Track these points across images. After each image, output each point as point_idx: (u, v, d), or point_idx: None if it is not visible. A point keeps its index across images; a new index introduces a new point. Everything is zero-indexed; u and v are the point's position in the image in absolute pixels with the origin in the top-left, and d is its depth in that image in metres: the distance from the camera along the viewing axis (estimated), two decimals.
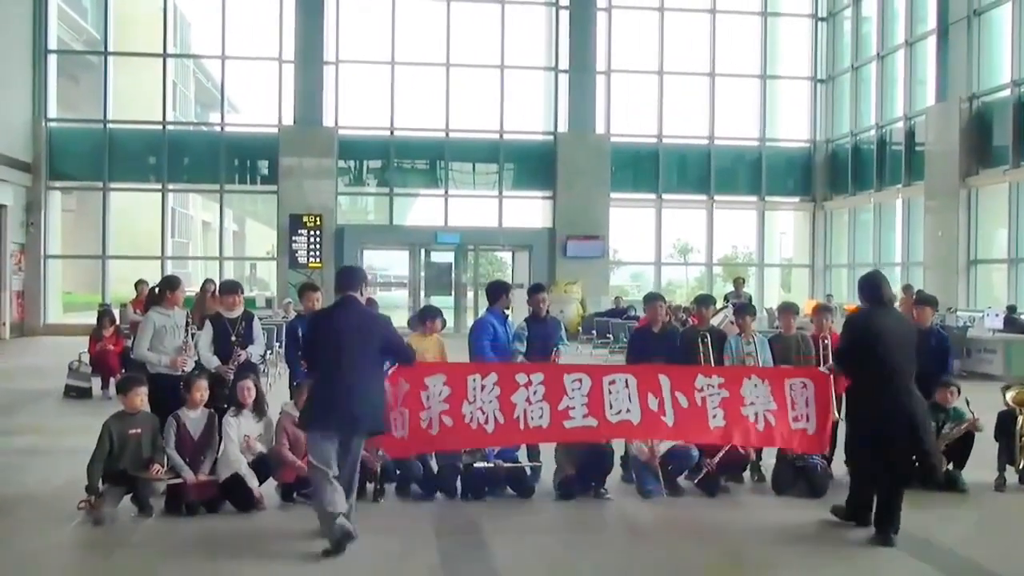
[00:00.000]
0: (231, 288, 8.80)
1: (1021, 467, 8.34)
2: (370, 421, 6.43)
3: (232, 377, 8.13)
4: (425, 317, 8.98)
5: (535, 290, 8.90)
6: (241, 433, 7.37)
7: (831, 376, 7.60)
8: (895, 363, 6.82)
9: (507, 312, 8.81)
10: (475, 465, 7.68)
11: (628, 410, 7.30)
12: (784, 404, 7.46)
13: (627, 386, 7.35)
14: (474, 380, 7.27)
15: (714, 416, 7.39)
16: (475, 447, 7.50)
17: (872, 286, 7.32)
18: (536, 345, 8.48)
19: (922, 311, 9.19)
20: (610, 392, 7.32)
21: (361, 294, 6.67)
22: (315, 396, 6.45)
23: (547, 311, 8.82)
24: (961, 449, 8.26)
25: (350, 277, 6.71)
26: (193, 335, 8.34)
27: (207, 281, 12.76)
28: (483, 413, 7.20)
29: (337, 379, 6.32)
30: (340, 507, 6.17)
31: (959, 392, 8.49)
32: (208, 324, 8.50)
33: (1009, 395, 8.54)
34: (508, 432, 7.26)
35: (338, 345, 6.37)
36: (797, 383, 7.54)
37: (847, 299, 24.42)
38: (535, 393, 7.25)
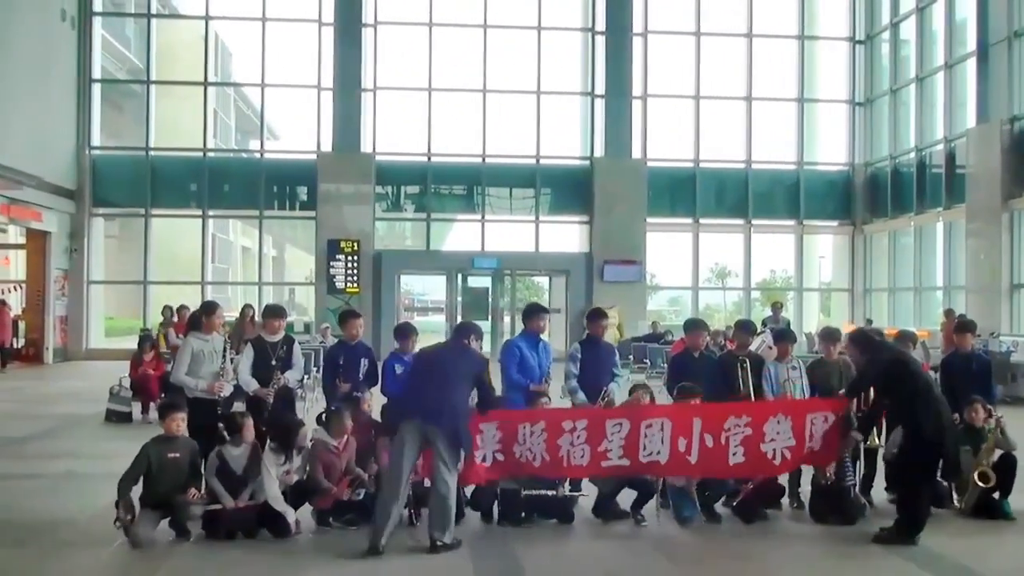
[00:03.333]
0: (276, 313, 8.80)
1: None
2: (449, 420, 6.97)
3: (271, 400, 8.17)
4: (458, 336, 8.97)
5: (598, 315, 8.97)
6: (281, 471, 7.38)
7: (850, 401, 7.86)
8: (932, 385, 7.38)
9: (541, 335, 8.79)
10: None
11: (659, 452, 7.62)
12: (802, 439, 7.71)
13: (662, 429, 7.65)
14: (524, 427, 7.63)
15: (734, 454, 7.66)
16: (523, 475, 7.70)
17: (864, 341, 7.86)
18: (588, 370, 8.58)
19: (962, 337, 9.13)
20: (645, 436, 7.63)
21: (469, 343, 7.50)
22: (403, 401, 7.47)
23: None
24: (1005, 475, 8.09)
25: (463, 329, 7.85)
26: (232, 360, 8.39)
27: (246, 306, 12.88)
28: (531, 453, 7.60)
29: (427, 388, 7.10)
30: (383, 520, 6.80)
31: (991, 411, 8.34)
32: (249, 347, 8.54)
33: None
34: (552, 467, 7.64)
35: (431, 367, 7.29)
36: (819, 418, 7.73)
37: (887, 324, 24.14)
38: (578, 438, 7.62)
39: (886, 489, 8.43)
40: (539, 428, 7.59)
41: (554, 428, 7.62)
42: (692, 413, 7.79)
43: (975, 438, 8.17)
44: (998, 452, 8.09)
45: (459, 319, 26.23)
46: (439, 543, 6.82)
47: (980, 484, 7.92)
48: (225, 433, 7.54)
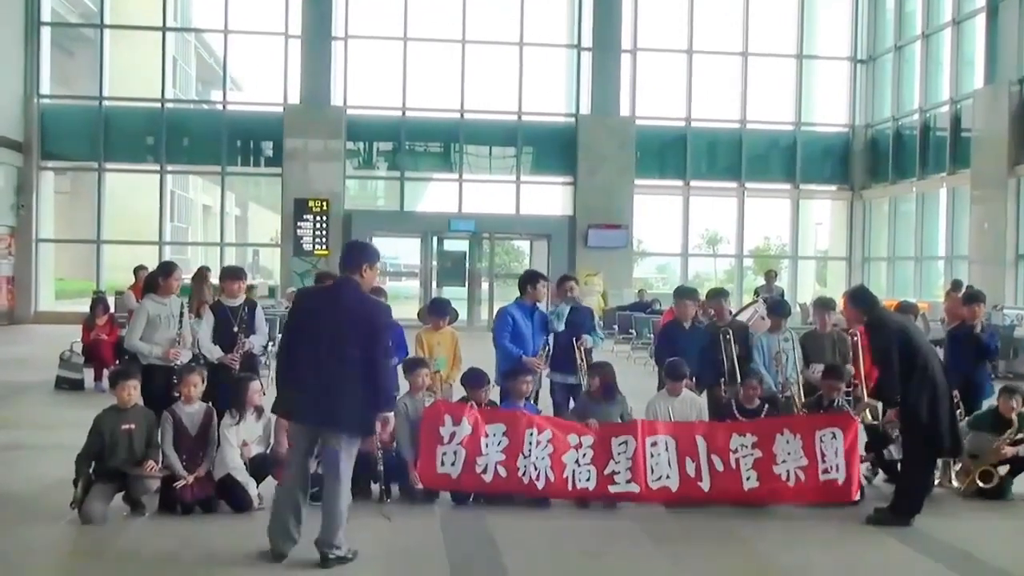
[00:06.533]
0: (234, 274, 8.78)
1: None
2: (349, 419, 6.06)
3: (237, 367, 8.12)
4: (434, 312, 9.03)
5: (563, 279, 9.22)
6: (240, 438, 7.37)
7: (859, 422, 7.83)
8: (933, 359, 7.43)
9: (537, 303, 8.94)
10: None
11: (668, 476, 7.68)
12: (814, 458, 7.69)
13: (667, 449, 7.71)
14: (531, 434, 7.64)
15: (748, 478, 7.69)
16: (525, 495, 7.70)
17: (868, 297, 7.74)
18: (566, 333, 8.82)
19: (972, 308, 9.17)
20: (651, 455, 7.68)
21: (362, 275, 6.26)
22: (293, 384, 6.16)
23: (577, 300, 9.22)
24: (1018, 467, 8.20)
25: (346, 256, 6.47)
26: (190, 324, 8.35)
27: (203, 268, 12.79)
28: (535, 469, 7.59)
29: (317, 369, 6.03)
30: (285, 513, 6.12)
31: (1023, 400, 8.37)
32: (209, 313, 8.50)
33: None
34: (557, 489, 7.65)
35: (320, 331, 6.08)
36: (827, 434, 7.72)
37: (886, 295, 24.29)
38: (584, 456, 7.67)
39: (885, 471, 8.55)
40: (545, 439, 7.62)
41: (560, 441, 7.66)
42: (694, 432, 7.83)
43: (1001, 425, 8.15)
44: (1017, 449, 8.08)
45: (434, 284, 26.31)
46: (330, 555, 6.02)
47: (980, 483, 8.00)
48: (178, 392, 7.56)
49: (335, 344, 6.02)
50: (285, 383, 6.21)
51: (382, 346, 6.23)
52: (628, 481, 7.61)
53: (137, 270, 16.02)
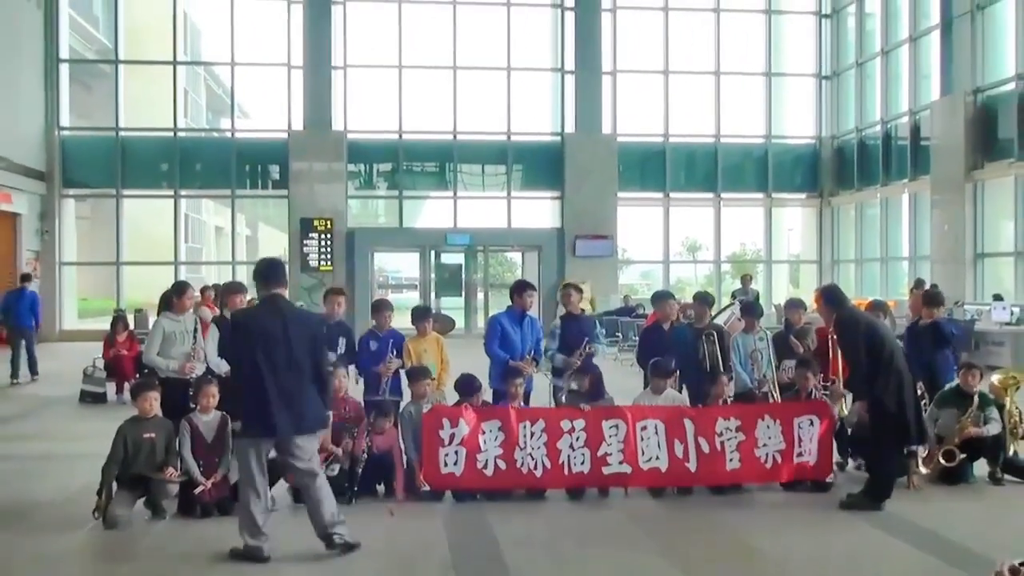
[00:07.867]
0: (235, 289, 8.68)
1: (1012, 452, 8.36)
2: (314, 419, 6.26)
3: None
4: (415, 319, 8.91)
5: (565, 288, 9.24)
6: None
7: (835, 408, 8.04)
8: (899, 353, 7.49)
9: (527, 311, 8.89)
10: None
11: (657, 457, 7.77)
12: (792, 442, 7.87)
13: (656, 432, 7.79)
14: (524, 427, 7.70)
15: (731, 460, 7.82)
16: (525, 488, 7.77)
17: (838, 296, 7.86)
18: (570, 342, 8.73)
19: (931, 311, 9.23)
20: (642, 439, 7.76)
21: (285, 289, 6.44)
22: (247, 401, 6.14)
23: (581, 309, 9.23)
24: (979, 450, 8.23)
25: (272, 272, 6.41)
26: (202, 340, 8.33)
27: (205, 287, 12.80)
28: (532, 459, 7.66)
29: (278, 382, 6.03)
30: (258, 525, 6.09)
31: (981, 376, 8.51)
32: (213, 328, 8.44)
33: (995, 378, 8.62)
34: (554, 476, 7.71)
35: (274, 346, 6.06)
36: (805, 421, 7.91)
37: (855, 294, 24.33)
38: (577, 439, 7.72)
39: (851, 456, 8.59)
40: (539, 428, 7.67)
41: (553, 428, 7.70)
42: (682, 416, 7.90)
43: (964, 402, 8.24)
44: (980, 429, 8.11)
45: (433, 296, 26.28)
46: (334, 538, 6.17)
47: (943, 461, 8.03)
48: (195, 402, 7.54)
49: (289, 355, 6.11)
50: (258, 405, 6.06)
51: (324, 350, 6.64)
52: (621, 462, 7.68)
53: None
